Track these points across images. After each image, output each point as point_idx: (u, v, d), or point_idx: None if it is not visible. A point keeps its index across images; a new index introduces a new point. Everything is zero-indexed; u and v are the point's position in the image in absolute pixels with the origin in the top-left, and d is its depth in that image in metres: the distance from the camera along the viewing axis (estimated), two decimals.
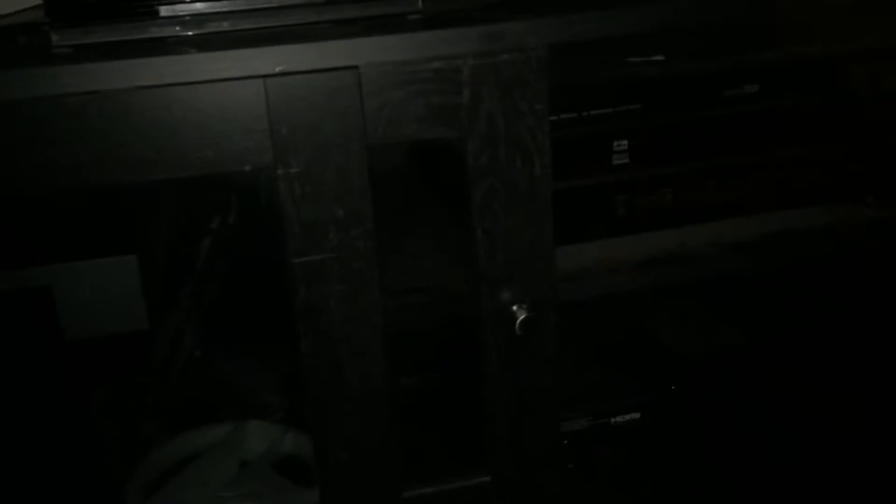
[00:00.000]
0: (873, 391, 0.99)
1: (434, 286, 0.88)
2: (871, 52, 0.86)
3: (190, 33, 0.70)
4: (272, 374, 0.96)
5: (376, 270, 0.72)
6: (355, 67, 0.67)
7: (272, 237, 0.71)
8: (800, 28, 0.84)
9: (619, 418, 0.93)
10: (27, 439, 0.77)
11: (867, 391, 0.99)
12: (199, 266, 0.78)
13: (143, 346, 0.80)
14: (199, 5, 0.70)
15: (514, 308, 0.77)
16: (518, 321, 0.76)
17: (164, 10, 0.69)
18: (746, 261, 0.91)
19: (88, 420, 0.84)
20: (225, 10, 0.70)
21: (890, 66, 0.87)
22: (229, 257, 0.80)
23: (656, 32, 0.75)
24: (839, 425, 0.98)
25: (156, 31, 0.69)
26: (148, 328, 0.75)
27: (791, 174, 0.89)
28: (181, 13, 0.69)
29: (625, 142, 0.82)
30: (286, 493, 0.89)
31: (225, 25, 0.70)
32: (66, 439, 0.79)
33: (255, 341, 0.94)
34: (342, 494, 0.78)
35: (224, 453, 0.92)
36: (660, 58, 0.84)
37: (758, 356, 0.97)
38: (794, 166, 0.89)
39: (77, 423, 0.80)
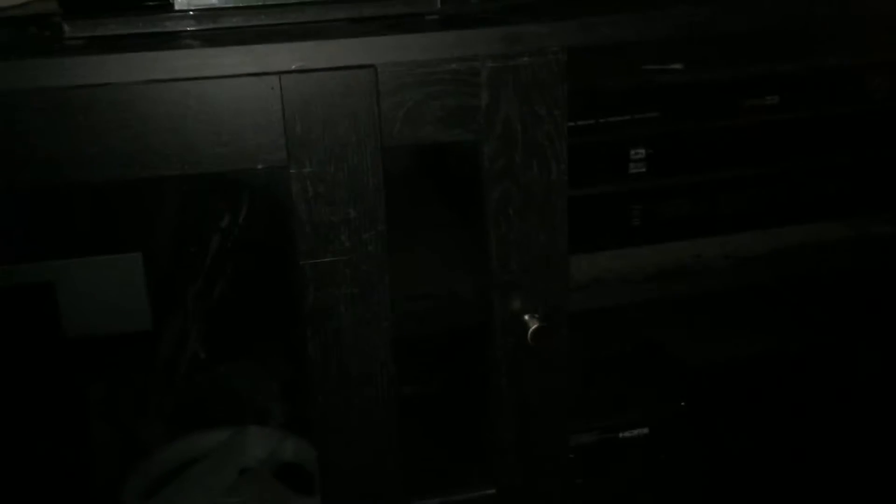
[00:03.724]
0: (883, 405, 0.97)
1: (441, 293, 0.86)
2: (891, 65, 0.85)
3: (204, 27, 0.68)
4: (275, 378, 0.94)
5: (387, 274, 0.71)
6: (372, 66, 0.66)
7: (282, 238, 0.69)
8: (821, 39, 0.83)
9: (627, 433, 0.91)
10: (23, 437, 0.75)
11: (877, 405, 0.97)
12: (207, 265, 0.76)
13: (147, 346, 0.79)
14: (214, 0, 0.69)
15: (526, 317, 0.76)
16: (530, 331, 0.75)
17: (179, 4, 0.68)
18: (760, 274, 0.90)
19: (86, 419, 0.82)
20: (240, 5, 0.69)
21: None
22: (238, 258, 0.78)
23: (674, 39, 0.74)
24: (848, 438, 0.97)
25: (169, 25, 0.68)
26: (152, 328, 0.74)
27: (808, 188, 0.88)
28: (195, 7, 0.68)
29: (642, 150, 0.81)
30: (286, 501, 0.87)
31: (239, 21, 0.69)
32: (63, 438, 0.78)
33: (259, 345, 0.93)
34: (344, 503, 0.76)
35: (224, 459, 0.90)
36: (678, 66, 0.83)
37: (769, 370, 0.95)
38: (812, 180, 0.88)
39: (75, 422, 0.78)
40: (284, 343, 0.89)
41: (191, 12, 0.68)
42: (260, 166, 0.66)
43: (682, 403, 0.92)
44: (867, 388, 0.98)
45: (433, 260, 0.91)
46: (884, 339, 0.99)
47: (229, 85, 0.64)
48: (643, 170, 0.81)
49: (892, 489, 0.97)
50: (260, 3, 0.69)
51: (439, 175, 0.95)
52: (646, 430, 0.92)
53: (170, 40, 0.66)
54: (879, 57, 0.84)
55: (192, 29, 0.68)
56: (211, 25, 0.69)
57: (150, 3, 0.68)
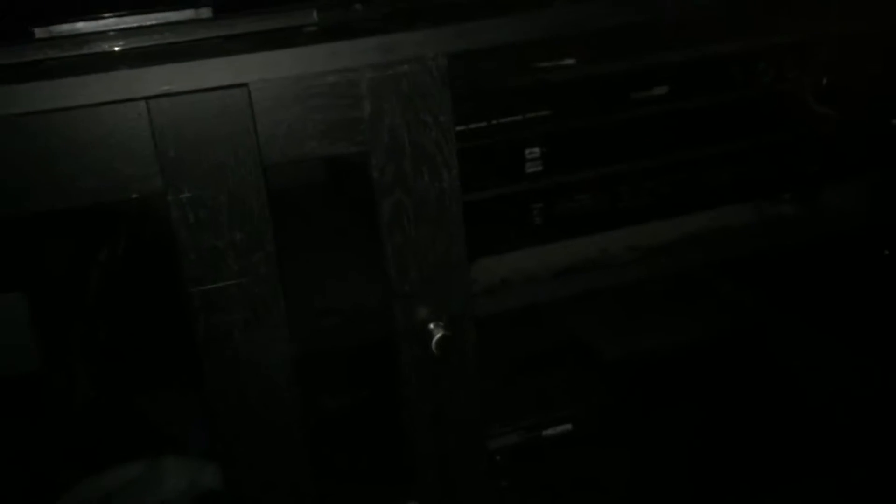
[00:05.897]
0: (799, 386, 0.99)
1: (349, 306, 0.85)
2: (779, 50, 0.86)
3: (68, 54, 0.66)
4: (190, 406, 0.92)
5: (281, 295, 0.69)
6: (244, 85, 0.64)
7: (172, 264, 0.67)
8: (705, 27, 0.83)
9: (550, 430, 0.91)
10: None
11: (794, 387, 0.99)
12: (89, 300, 0.73)
13: (38, 387, 0.76)
14: (78, 25, 0.67)
15: (431, 326, 0.75)
16: (434, 339, 0.74)
17: (40, 32, 0.65)
18: (669, 263, 0.90)
19: None
20: (105, 29, 0.67)
21: (798, 62, 0.86)
22: (127, 287, 0.75)
23: (552, 38, 0.73)
24: (771, 423, 0.98)
25: (31, 55, 0.65)
26: (40, 368, 0.71)
27: (705, 174, 0.88)
28: (58, 34, 0.66)
29: (537, 149, 0.80)
30: None
31: (105, 46, 0.66)
32: None
33: (171, 374, 0.90)
34: None
35: (140, 492, 0.87)
36: (570, 62, 0.82)
37: (685, 358, 0.96)
38: (709, 166, 0.88)
39: None
40: (195, 369, 0.87)
41: (54, 40, 0.66)
42: (135, 196, 0.63)
43: (602, 397, 0.92)
44: (788, 369, 0.99)
45: (340, 273, 0.90)
46: (798, 316, 1.00)
47: (95, 113, 0.62)
48: (540, 168, 0.81)
49: (821, 471, 0.98)
50: (127, 26, 0.67)
51: (341, 185, 0.93)
52: (569, 427, 0.92)
53: (31, 71, 0.64)
54: (764, 42, 0.85)
55: (55, 57, 0.65)
56: (76, 52, 0.66)
57: (10, 33, 0.65)
